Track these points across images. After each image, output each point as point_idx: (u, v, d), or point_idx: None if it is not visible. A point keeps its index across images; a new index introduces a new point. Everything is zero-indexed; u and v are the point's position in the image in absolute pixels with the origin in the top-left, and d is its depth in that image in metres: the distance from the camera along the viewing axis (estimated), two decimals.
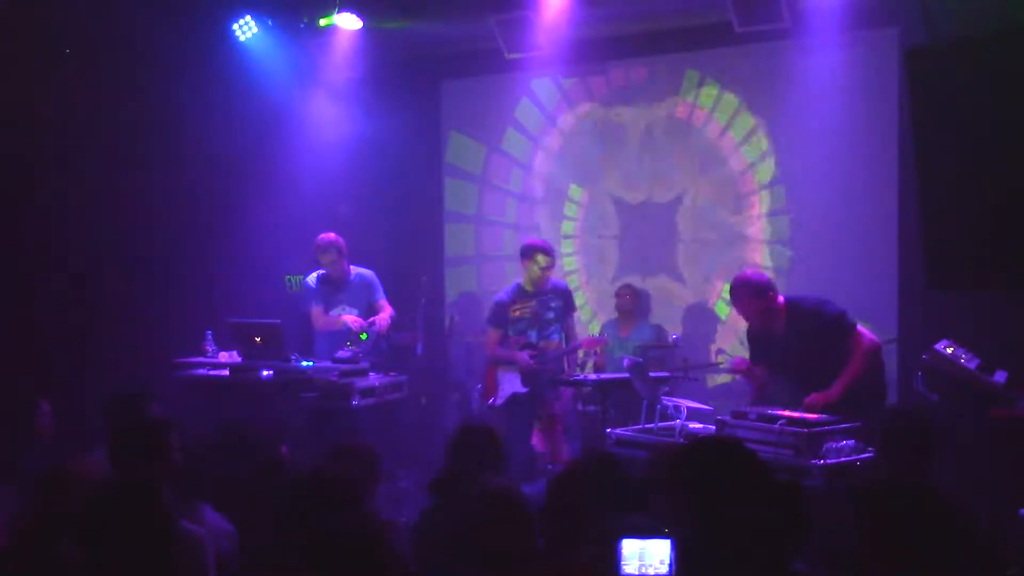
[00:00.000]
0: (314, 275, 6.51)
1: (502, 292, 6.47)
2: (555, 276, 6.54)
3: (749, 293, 5.08)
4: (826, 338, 4.92)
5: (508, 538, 2.66)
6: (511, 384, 6.25)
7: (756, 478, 2.51)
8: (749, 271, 5.66)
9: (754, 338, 5.30)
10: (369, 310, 6.42)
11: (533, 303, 6.28)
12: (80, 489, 3.17)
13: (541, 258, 6.21)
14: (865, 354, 4.89)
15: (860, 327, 5.00)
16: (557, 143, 7.90)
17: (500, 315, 6.34)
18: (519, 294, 6.33)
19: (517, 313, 6.30)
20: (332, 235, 6.42)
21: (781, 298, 5.10)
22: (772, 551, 2.40)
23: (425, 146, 8.24)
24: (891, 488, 2.59)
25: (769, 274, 5.94)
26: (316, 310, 6.44)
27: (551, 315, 6.30)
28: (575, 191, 7.85)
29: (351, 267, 6.51)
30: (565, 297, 6.42)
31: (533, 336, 6.30)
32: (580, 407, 6.73)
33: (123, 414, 4.29)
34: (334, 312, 6.44)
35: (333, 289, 6.46)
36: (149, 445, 3.52)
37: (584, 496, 2.84)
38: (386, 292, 6.60)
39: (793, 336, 4.99)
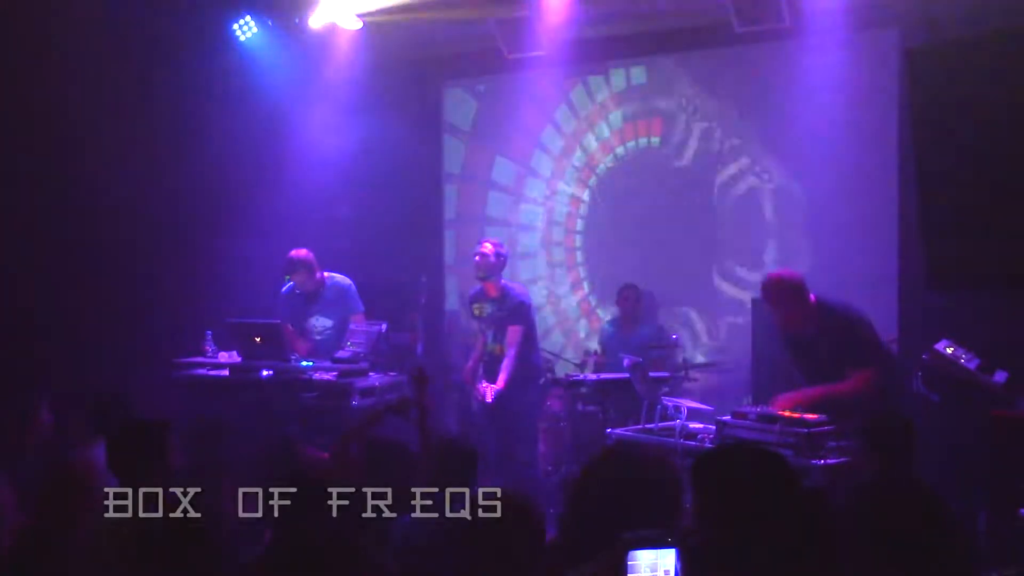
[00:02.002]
0: (289, 284, 6.46)
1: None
2: (514, 284, 6.51)
3: (783, 295, 4.85)
4: (849, 342, 4.76)
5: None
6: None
7: (786, 484, 2.46)
8: (783, 271, 5.23)
9: (783, 339, 5.06)
10: (344, 320, 6.30)
11: (489, 305, 6.30)
12: (80, 486, 3.19)
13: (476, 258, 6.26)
14: (857, 388, 4.64)
15: (872, 371, 4.69)
16: (558, 143, 7.90)
17: (465, 310, 6.51)
18: (480, 294, 6.37)
19: (476, 312, 6.41)
20: (302, 252, 6.30)
21: (813, 297, 4.87)
22: (792, 561, 2.35)
23: (425, 146, 8.24)
24: (884, 486, 2.59)
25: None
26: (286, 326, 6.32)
27: (504, 321, 6.22)
28: (577, 190, 7.86)
29: (325, 275, 6.42)
30: (512, 309, 6.21)
31: (490, 337, 6.33)
32: (580, 407, 6.73)
33: (108, 413, 4.30)
34: (309, 322, 6.38)
35: (305, 301, 6.40)
36: (148, 447, 3.52)
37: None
38: (386, 292, 6.59)
39: (823, 337, 4.80)
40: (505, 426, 6.21)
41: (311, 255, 6.34)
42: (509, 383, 6.04)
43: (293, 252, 6.31)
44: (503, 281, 6.31)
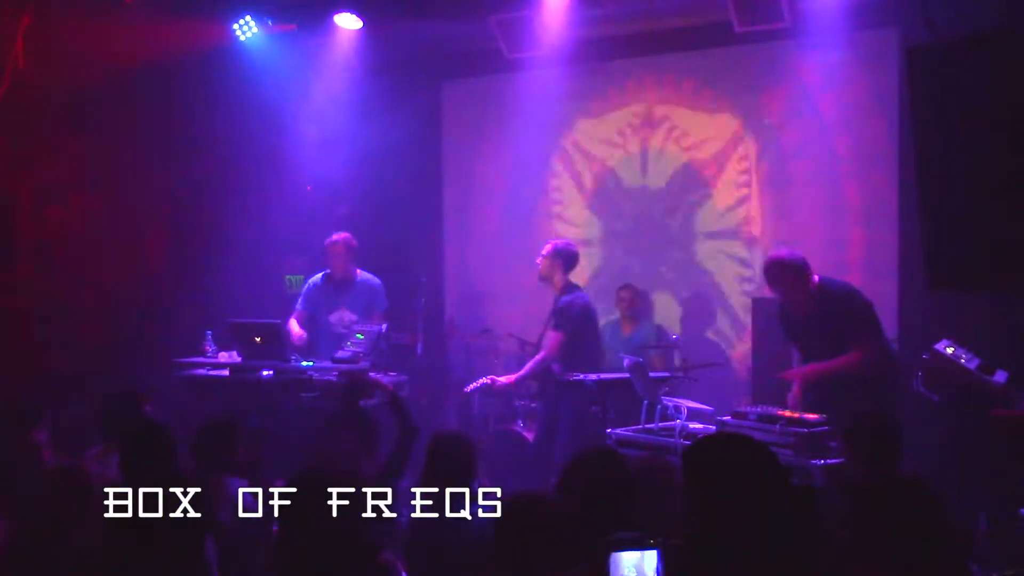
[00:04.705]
0: (319, 275, 6.53)
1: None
2: (572, 289, 6.13)
3: (785, 276, 4.98)
4: (848, 321, 4.86)
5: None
6: None
7: (772, 476, 2.45)
8: (784, 249, 5.24)
9: (782, 316, 5.24)
10: (367, 316, 6.42)
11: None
12: (86, 487, 3.19)
13: None
14: (862, 361, 4.80)
15: (872, 343, 4.85)
16: (558, 143, 7.90)
17: None
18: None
19: None
20: (345, 235, 6.48)
21: (816, 277, 4.99)
22: (777, 558, 2.34)
23: (425, 146, 8.23)
24: (885, 484, 2.58)
25: None
26: (298, 315, 6.46)
27: (547, 325, 6.15)
28: (578, 189, 7.85)
29: (358, 271, 6.53)
30: (555, 312, 6.04)
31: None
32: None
33: (122, 412, 4.30)
34: (334, 315, 6.46)
35: (336, 289, 6.48)
36: (158, 448, 3.53)
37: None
38: (386, 292, 6.60)
39: (822, 317, 4.93)
40: (548, 428, 6.11)
41: (352, 240, 6.46)
42: (522, 381, 6.07)
43: (336, 234, 6.46)
44: (564, 283, 6.10)
